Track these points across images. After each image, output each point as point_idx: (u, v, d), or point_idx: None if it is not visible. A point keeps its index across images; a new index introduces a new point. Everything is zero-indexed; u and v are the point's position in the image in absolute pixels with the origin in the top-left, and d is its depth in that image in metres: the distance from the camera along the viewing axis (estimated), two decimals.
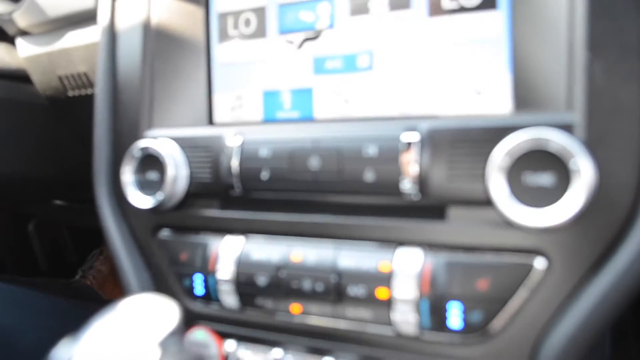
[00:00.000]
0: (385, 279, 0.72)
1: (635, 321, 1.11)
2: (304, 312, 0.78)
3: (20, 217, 1.99)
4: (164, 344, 0.44)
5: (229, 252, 0.83)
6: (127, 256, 0.93)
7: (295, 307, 0.79)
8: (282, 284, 0.78)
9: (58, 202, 1.69)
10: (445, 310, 0.69)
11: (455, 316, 0.69)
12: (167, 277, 0.91)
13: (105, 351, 0.43)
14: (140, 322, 0.45)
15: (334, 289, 0.74)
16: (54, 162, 1.34)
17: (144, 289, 0.91)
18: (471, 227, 0.69)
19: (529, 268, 0.67)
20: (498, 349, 0.69)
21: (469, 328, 0.69)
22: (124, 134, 0.96)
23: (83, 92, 1.17)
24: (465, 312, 0.69)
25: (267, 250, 0.80)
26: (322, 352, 0.80)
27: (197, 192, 0.87)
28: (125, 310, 0.47)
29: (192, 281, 0.87)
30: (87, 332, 0.46)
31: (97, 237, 1.00)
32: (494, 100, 0.75)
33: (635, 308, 1.01)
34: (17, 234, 2.01)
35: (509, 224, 0.66)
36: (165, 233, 0.92)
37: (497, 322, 0.68)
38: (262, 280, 0.79)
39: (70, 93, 1.19)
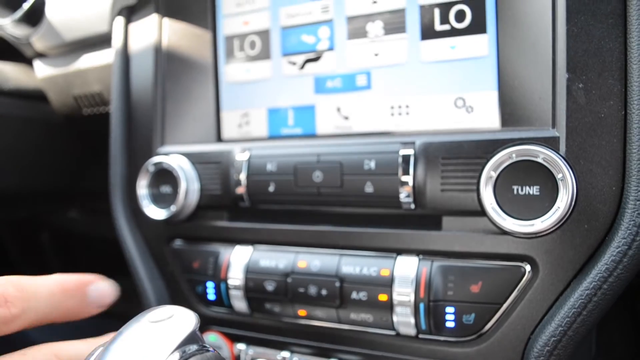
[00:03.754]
0: (386, 284, 0.74)
1: (620, 320, 1.13)
2: (310, 316, 0.81)
3: (33, 226, 2.01)
4: (181, 348, 0.46)
5: (238, 260, 0.85)
6: (142, 265, 0.95)
7: (302, 311, 0.81)
8: (289, 290, 0.80)
9: (72, 213, 1.71)
10: (441, 313, 0.72)
11: (450, 319, 0.72)
12: (180, 284, 0.93)
13: (132, 358, 0.45)
14: (160, 330, 0.48)
15: (338, 294, 0.77)
16: (69, 176, 1.36)
17: (158, 295, 0.94)
18: (464, 236, 0.72)
19: (518, 273, 0.69)
20: (491, 348, 0.71)
21: (463, 329, 0.72)
22: (137, 151, 0.98)
23: (97, 110, 1.19)
24: (459, 314, 0.71)
25: (274, 258, 0.83)
26: (327, 354, 0.82)
27: (208, 205, 0.90)
28: (150, 321, 0.49)
29: (204, 288, 0.89)
30: (115, 342, 0.49)
31: (110, 248, 1.02)
32: (483, 116, 0.78)
33: (619, 308, 1.04)
34: (31, 244, 2.03)
35: (499, 232, 0.69)
36: (178, 243, 0.94)
37: (490, 324, 0.71)
38: (270, 286, 0.82)
39: (85, 111, 1.21)
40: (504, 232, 0.68)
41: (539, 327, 0.68)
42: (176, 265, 0.93)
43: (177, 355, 0.46)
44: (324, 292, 0.78)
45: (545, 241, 0.67)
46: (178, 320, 0.49)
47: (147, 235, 0.97)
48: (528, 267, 0.69)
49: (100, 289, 0.70)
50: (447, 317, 0.72)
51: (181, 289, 0.93)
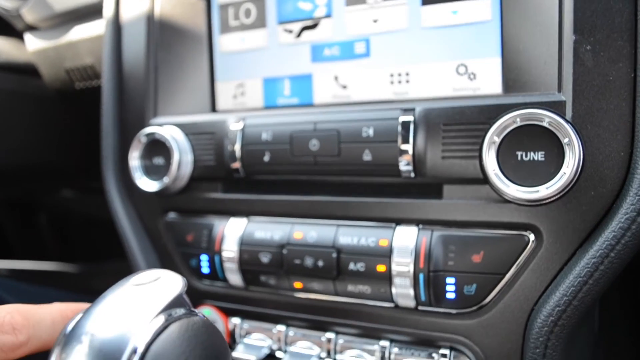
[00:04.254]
0: (384, 255, 0.71)
1: (622, 297, 1.11)
2: (306, 289, 0.78)
3: (31, 208, 1.98)
4: (167, 311, 0.44)
5: (233, 233, 0.82)
6: (135, 239, 0.92)
7: (298, 284, 0.78)
8: (285, 261, 0.77)
9: (67, 193, 1.68)
10: (441, 284, 0.69)
11: (450, 290, 0.69)
12: (174, 258, 0.90)
13: (114, 320, 0.42)
14: (146, 293, 0.45)
15: (335, 265, 0.74)
16: (63, 152, 1.33)
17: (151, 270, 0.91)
18: (466, 204, 0.69)
19: (522, 242, 0.66)
20: (493, 320, 0.68)
21: (464, 301, 0.69)
22: (130, 122, 0.95)
23: (89, 84, 1.16)
24: (460, 285, 0.68)
25: (269, 230, 0.80)
26: (324, 327, 0.79)
27: (202, 176, 0.86)
28: (134, 284, 0.46)
29: (198, 261, 0.86)
30: (98, 305, 0.46)
31: (108, 229, 0.99)
32: (485, 83, 0.75)
33: (622, 284, 1.01)
34: (28, 226, 2.00)
35: (502, 200, 0.66)
36: (171, 216, 0.91)
37: (491, 295, 0.68)
38: (265, 258, 0.79)
39: (77, 85, 1.18)
40: (506, 200, 0.65)
41: (542, 298, 0.65)
42: (169, 239, 0.90)
43: (161, 318, 0.43)
44: (320, 263, 0.75)
45: (550, 209, 0.64)
46: (164, 283, 0.46)
47: (139, 209, 0.94)
48: (532, 236, 0.66)
49: None
50: (448, 288, 0.69)
51: (175, 262, 0.90)
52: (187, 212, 0.89)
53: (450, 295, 0.69)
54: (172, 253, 0.90)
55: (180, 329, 0.42)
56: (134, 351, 0.40)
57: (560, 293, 0.63)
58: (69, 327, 0.45)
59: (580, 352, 0.77)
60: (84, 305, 0.66)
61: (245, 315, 0.85)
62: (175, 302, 0.45)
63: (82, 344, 0.42)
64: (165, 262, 0.91)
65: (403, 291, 0.71)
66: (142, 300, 0.44)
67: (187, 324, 0.43)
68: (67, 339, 0.44)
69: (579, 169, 0.61)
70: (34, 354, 0.58)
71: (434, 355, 0.72)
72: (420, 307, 0.72)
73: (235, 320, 0.86)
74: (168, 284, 0.46)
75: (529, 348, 0.64)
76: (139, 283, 0.46)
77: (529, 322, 0.66)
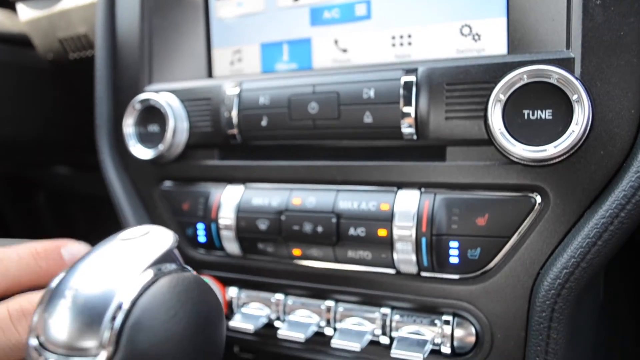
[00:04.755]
0: (386, 219, 0.68)
1: (623, 271, 1.08)
2: (305, 256, 0.75)
3: (29, 187, 1.95)
4: (156, 266, 0.41)
5: (229, 200, 0.79)
6: (130, 208, 0.89)
7: (296, 251, 0.75)
8: (283, 228, 0.74)
9: (63, 170, 1.64)
10: (444, 248, 0.66)
11: (454, 254, 0.66)
12: (169, 227, 0.87)
13: (100, 275, 0.39)
14: (134, 248, 0.42)
15: (335, 230, 0.71)
16: (57, 126, 1.30)
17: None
18: (470, 166, 0.66)
19: (528, 204, 0.64)
20: (497, 285, 0.66)
21: (468, 265, 0.66)
22: (124, 90, 0.92)
23: (84, 54, 1.12)
24: (464, 249, 0.66)
25: (267, 196, 0.77)
26: (324, 295, 0.77)
27: (198, 143, 0.83)
28: (122, 239, 0.44)
29: (195, 230, 0.83)
30: (83, 261, 0.43)
31: (107, 206, 0.96)
32: (490, 44, 0.71)
33: (623, 258, 0.99)
34: (26, 205, 1.97)
35: (507, 161, 0.63)
36: (167, 184, 0.88)
37: (496, 259, 0.65)
38: (263, 225, 0.76)
39: (71, 56, 1.14)
40: (512, 160, 0.62)
41: (549, 261, 0.63)
42: (165, 208, 0.87)
43: (150, 272, 0.40)
44: (319, 229, 0.72)
45: (557, 169, 0.61)
46: (153, 238, 0.43)
47: (134, 178, 0.91)
48: (538, 198, 0.63)
49: (74, 251, 0.65)
50: (451, 252, 0.66)
51: None
52: (183, 180, 0.86)
53: (454, 260, 0.66)
54: (168, 222, 0.87)
55: (170, 283, 0.39)
56: (119, 307, 0.37)
57: (568, 255, 0.60)
58: (54, 283, 0.42)
59: (586, 321, 0.75)
60: (55, 242, 0.63)
61: (243, 285, 0.83)
62: (166, 257, 0.42)
63: (66, 299, 0.39)
64: None
65: (405, 257, 0.68)
66: (130, 254, 0.41)
67: (177, 279, 0.40)
68: (51, 295, 0.41)
69: (588, 127, 0.58)
70: None
71: (436, 322, 0.69)
72: (422, 273, 0.70)
73: (233, 289, 0.83)
74: (158, 238, 0.43)
75: (535, 312, 0.62)
76: (127, 238, 0.43)
77: (535, 286, 0.63)
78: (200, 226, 0.83)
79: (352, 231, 0.70)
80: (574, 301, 0.61)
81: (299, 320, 0.77)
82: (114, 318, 0.37)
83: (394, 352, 0.67)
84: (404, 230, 0.67)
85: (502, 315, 0.66)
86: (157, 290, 0.38)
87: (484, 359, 0.67)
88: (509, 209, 0.64)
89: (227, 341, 0.83)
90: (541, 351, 0.62)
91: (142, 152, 0.84)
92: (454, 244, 0.66)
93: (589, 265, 0.59)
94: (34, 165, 1.56)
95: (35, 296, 0.54)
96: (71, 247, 0.64)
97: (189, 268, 0.44)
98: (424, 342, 0.68)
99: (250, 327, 0.76)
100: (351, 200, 0.71)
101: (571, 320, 0.62)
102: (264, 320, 0.79)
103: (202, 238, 0.83)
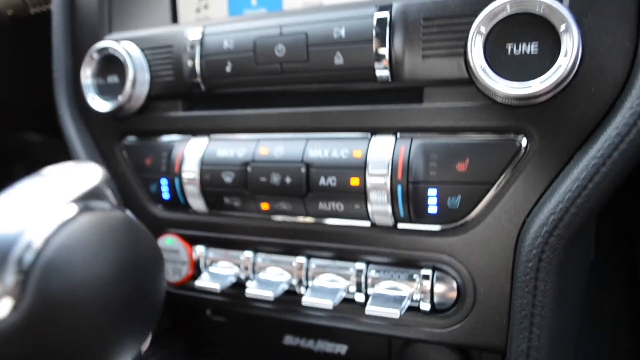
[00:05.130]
0: (358, 167, 0.62)
1: (618, 229, 1.03)
2: (274, 210, 0.69)
3: (6, 160, 1.87)
4: (82, 202, 0.35)
5: (193, 152, 0.73)
6: None
7: (264, 205, 0.69)
8: (249, 180, 0.68)
9: (34, 137, 1.56)
10: (421, 197, 0.60)
11: (432, 203, 0.60)
12: (133, 186, 0.81)
13: (11, 212, 0.33)
14: (56, 183, 0.36)
15: (304, 181, 0.65)
16: (22, 87, 1.22)
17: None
18: (449, 108, 0.60)
19: (512, 147, 0.58)
20: (480, 236, 0.60)
21: (447, 215, 0.61)
22: (82, 40, 0.84)
23: (46, 8, 1.04)
24: (443, 197, 0.60)
25: (232, 147, 0.70)
26: (295, 251, 0.71)
27: (160, 94, 0.77)
28: (48, 175, 0.37)
29: (158, 186, 0.77)
30: (4, 194, 0.37)
31: None
32: None
33: (617, 210, 0.94)
34: (5, 178, 1.90)
35: (490, 102, 0.57)
36: (129, 139, 0.81)
37: (478, 208, 0.60)
38: (228, 177, 0.70)
39: (32, 10, 1.06)
40: (494, 101, 0.56)
41: (536, 208, 0.57)
42: (128, 165, 0.81)
43: (73, 208, 0.34)
44: (288, 179, 0.66)
45: (544, 109, 0.56)
46: (80, 173, 0.37)
47: (96, 134, 0.84)
48: (524, 141, 0.57)
49: None
50: (429, 201, 0.60)
51: (134, 190, 0.81)
52: (145, 134, 0.80)
53: (432, 210, 0.61)
54: (131, 180, 0.81)
55: (92, 221, 0.33)
56: (29, 245, 0.31)
57: (556, 200, 0.54)
58: None
59: (576, 276, 0.70)
60: None
61: (210, 243, 0.77)
62: (93, 194, 0.36)
63: None
64: (124, 190, 0.82)
65: (380, 207, 0.62)
66: (50, 189, 0.35)
67: (103, 217, 0.34)
68: None
69: (577, 61, 0.52)
70: None
71: (414, 276, 0.64)
72: (399, 225, 0.64)
73: (200, 248, 0.77)
74: (85, 173, 0.37)
75: (520, 263, 0.56)
76: (50, 174, 0.37)
77: (521, 236, 0.58)
78: (164, 182, 0.76)
79: (322, 181, 0.64)
80: (563, 250, 0.55)
81: (269, 278, 0.71)
82: (21, 259, 0.31)
83: (369, 309, 0.62)
84: (378, 178, 0.61)
85: (485, 267, 0.60)
86: (77, 227, 0.32)
87: (466, 315, 0.62)
88: (491, 153, 0.58)
89: (199, 304, 0.78)
90: (527, 304, 0.56)
91: (100, 104, 0.78)
92: (432, 191, 0.60)
93: (578, 210, 0.54)
94: (2, 130, 1.48)
95: None
96: None
97: (123, 209, 0.37)
98: (401, 299, 0.63)
99: (216, 286, 0.71)
100: (321, 148, 0.65)
101: (560, 271, 0.56)
102: (232, 280, 0.73)
103: (165, 195, 0.77)
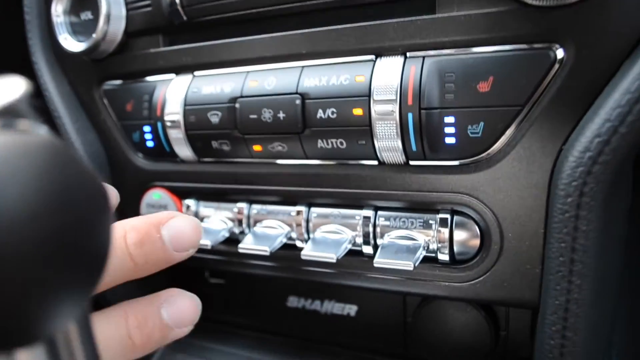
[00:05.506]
0: (361, 94, 0.52)
1: None
2: (267, 152, 0.60)
3: None
4: None
5: (176, 92, 0.64)
6: (69, 116, 0.74)
7: (257, 147, 0.60)
8: (238, 118, 0.59)
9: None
10: (436, 125, 0.50)
11: (450, 133, 0.50)
12: (115, 136, 0.72)
13: None
14: None
15: (300, 114, 0.55)
16: None
17: (90, 151, 0.73)
18: (467, 17, 0.49)
19: (545, 61, 0.47)
20: (507, 171, 0.50)
21: (468, 146, 0.50)
22: None
23: None
24: (462, 125, 0.50)
25: (218, 82, 0.61)
26: (293, 200, 0.62)
27: (138, 30, 0.67)
28: None
29: (141, 133, 0.68)
30: None
31: None
32: None
33: None
34: None
35: (517, 4, 0.46)
36: (109, 84, 0.72)
37: (505, 136, 0.49)
38: (215, 117, 0.60)
39: None
40: (522, 3, 0.46)
41: (575, 132, 0.47)
42: (109, 112, 0.72)
43: None
44: (281, 115, 0.56)
45: (585, 11, 0.45)
46: None
47: (74, 80, 0.75)
48: (559, 51, 0.47)
49: (176, 228, 0.46)
50: (446, 130, 0.50)
51: (117, 141, 0.72)
52: (126, 77, 0.71)
53: (450, 141, 0.50)
54: (113, 129, 0.72)
55: (4, 143, 0.24)
56: None
57: (601, 119, 0.44)
58: None
59: (618, 220, 0.59)
60: (153, 220, 0.46)
61: (200, 196, 0.68)
62: (9, 111, 0.26)
63: None
64: (107, 141, 0.73)
65: (388, 142, 0.52)
66: None
67: (16, 139, 0.25)
68: None
69: None
70: None
71: (430, 222, 0.54)
72: (411, 162, 0.54)
73: (190, 202, 0.68)
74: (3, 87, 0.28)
75: (557, 199, 0.46)
76: None
77: (557, 167, 0.47)
78: (147, 128, 0.67)
79: (320, 114, 0.54)
80: (609, 183, 0.45)
81: (265, 232, 0.62)
82: None
83: (378, 262, 0.53)
84: (385, 105, 0.51)
85: (513, 208, 0.50)
86: None
87: (491, 265, 0.52)
88: (519, 68, 0.48)
89: (195, 264, 0.69)
90: (566, 248, 0.46)
91: (73, 44, 0.68)
92: (449, 119, 0.50)
93: (629, 130, 0.43)
94: None
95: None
96: (173, 223, 0.46)
97: (50, 132, 0.28)
98: (415, 248, 0.53)
99: (207, 242, 0.62)
100: (318, 76, 0.55)
101: (605, 209, 0.46)
102: (225, 234, 0.65)
103: (150, 142, 0.68)
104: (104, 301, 0.62)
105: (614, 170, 0.44)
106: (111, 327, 0.43)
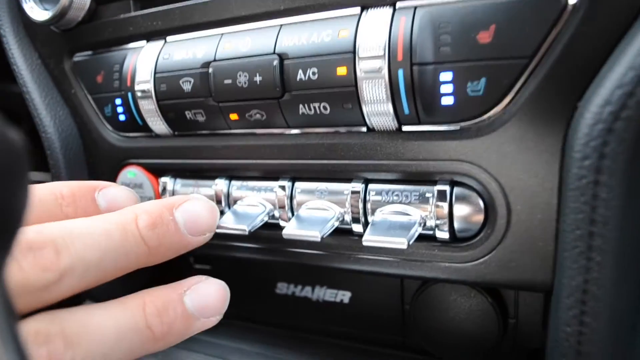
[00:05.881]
0: (345, 51, 0.46)
1: None
2: (245, 121, 0.53)
3: (15, 118, 1.75)
4: None
5: (146, 59, 0.57)
6: (39, 92, 0.68)
7: (233, 115, 0.53)
8: (212, 84, 0.52)
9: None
10: (431, 84, 0.43)
11: (447, 92, 0.43)
12: (87, 110, 0.66)
13: None
14: None
15: (278, 77, 0.49)
16: None
17: (62, 128, 0.67)
18: None
19: (556, 4, 0.40)
20: (513, 134, 0.43)
21: (468, 107, 0.44)
22: None
23: None
24: (461, 82, 0.43)
25: (191, 47, 0.54)
26: (276, 174, 0.55)
27: None
28: None
29: (113, 106, 0.62)
30: None
31: None
32: None
33: None
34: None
35: None
36: (79, 55, 0.66)
37: (511, 94, 0.42)
38: (187, 84, 0.54)
39: None
40: None
41: (592, 86, 0.39)
42: (80, 86, 0.66)
43: None
44: (258, 78, 0.50)
45: None
46: None
47: (43, 53, 0.69)
48: None
49: (111, 196, 0.47)
50: (442, 89, 0.43)
51: (89, 117, 0.66)
52: (96, 46, 0.64)
53: (447, 101, 0.44)
54: (85, 103, 0.66)
55: None
56: None
57: (624, 67, 0.37)
58: None
59: None
60: (88, 186, 0.46)
61: (177, 173, 0.62)
62: None
63: None
64: (78, 116, 0.67)
65: (376, 105, 0.46)
66: None
67: None
68: None
69: None
70: None
71: (427, 195, 0.47)
72: (404, 127, 0.47)
73: (166, 179, 0.62)
74: None
75: (573, 163, 0.39)
76: None
77: (571, 127, 0.41)
78: (118, 101, 0.61)
79: (300, 75, 0.48)
80: (634, 142, 0.38)
81: (245, 210, 0.56)
82: None
83: (367, 239, 0.46)
84: (371, 62, 0.44)
85: (522, 177, 0.43)
86: None
87: (497, 243, 0.46)
88: (526, 14, 0.41)
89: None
90: (584, 220, 0.39)
91: (40, 13, 0.62)
92: (445, 75, 0.43)
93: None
94: None
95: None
96: (108, 192, 0.47)
97: None
98: (410, 225, 0.47)
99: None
100: (298, 33, 0.48)
101: (629, 171, 0.39)
102: None
103: (121, 116, 0.62)
104: (90, 298, 0.56)
105: (639, 127, 0.37)
106: (127, 316, 0.39)
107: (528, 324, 0.56)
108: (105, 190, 0.46)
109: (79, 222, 0.38)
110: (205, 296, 0.43)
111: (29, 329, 0.33)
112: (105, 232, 0.38)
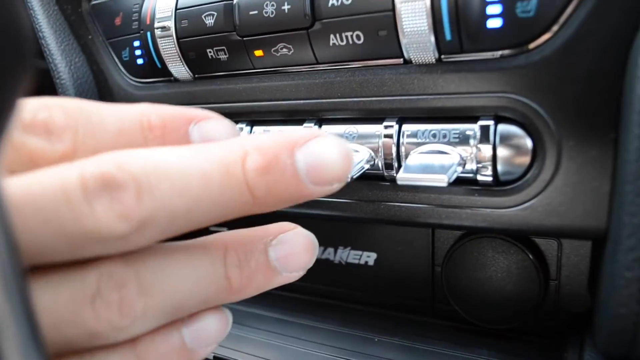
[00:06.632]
0: None
1: None
2: (270, 58, 0.50)
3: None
4: None
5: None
6: (55, 37, 0.64)
7: (258, 52, 0.50)
8: (237, 17, 0.49)
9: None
10: (477, 6, 0.39)
11: (493, 13, 0.39)
12: (104, 57, 0.63)
13: None
14: None
15: (308, 5, 0.45)
16: None
17: (77, 76, 0.64)
18: None
19: None
20: (566, 60, 0.39)
21: (518, 31, 0.40)
22: None
23: None
24: (509, 3, 0.39)
25: None
26: (302, 116, 0.51)
27: None
28: None
29: (131, 50, 0.59)
30: None
31: None
32: None
33: None
34: None
35: None
36: None
37: (566, 14, 0.38)
38: (210, 18, 0.50)
39: None
40: None
41: None
42: (97, 30, 0.63)
43: None
44: (286, 6, 0.46)
45: None
46: None
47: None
48: None
49: (207, 130, 0.34)
50: (489, 9, 0.39)
51: (105, 63, 0.63)
52: None
53: (494, 23, 0.39)
54: (102, 50, 0.63)
55: None
56: None
57: None
58: None
59: None
60: (183, 115, 0.33)
61: None
62: None
63: None
64: (94, 63, 0.64)
65: (415, 32, 0.42)
66: None
67: None
68: None
69: None
70: None
71: (468, 132, 0.43)
72: (444, 58, 0.43)
73: None
74: None
75: (636, 92, 0.35)
76: None
77: (635, 44, 0.36)
78: (137, 43, 0.58)
79: (332, 1, 0.44)
80: None
81: None
82: None
83: (402, 178, 0.42)
84: None
85: (575, 109, 0.39)
86: None
87: (545, 185, 0.41)
88: None
89: None
90: None
91: None
92: None
93: None
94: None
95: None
96: (207, 125, 0.34)
97: None
98: (448, 166, 0.42)
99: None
100: None
101: None
102: None
103: (139, 60, 0.58)
104: None
105: None
106: (206, 261, 0.31)
107: (571, 286, 0.51)
108: (204, 124, 0.35)
109: (169, 154, 0.29)
110: (292, 249, 0.35)
111: (102, 271, 0.28)
112: (202, 173, 0.29)
